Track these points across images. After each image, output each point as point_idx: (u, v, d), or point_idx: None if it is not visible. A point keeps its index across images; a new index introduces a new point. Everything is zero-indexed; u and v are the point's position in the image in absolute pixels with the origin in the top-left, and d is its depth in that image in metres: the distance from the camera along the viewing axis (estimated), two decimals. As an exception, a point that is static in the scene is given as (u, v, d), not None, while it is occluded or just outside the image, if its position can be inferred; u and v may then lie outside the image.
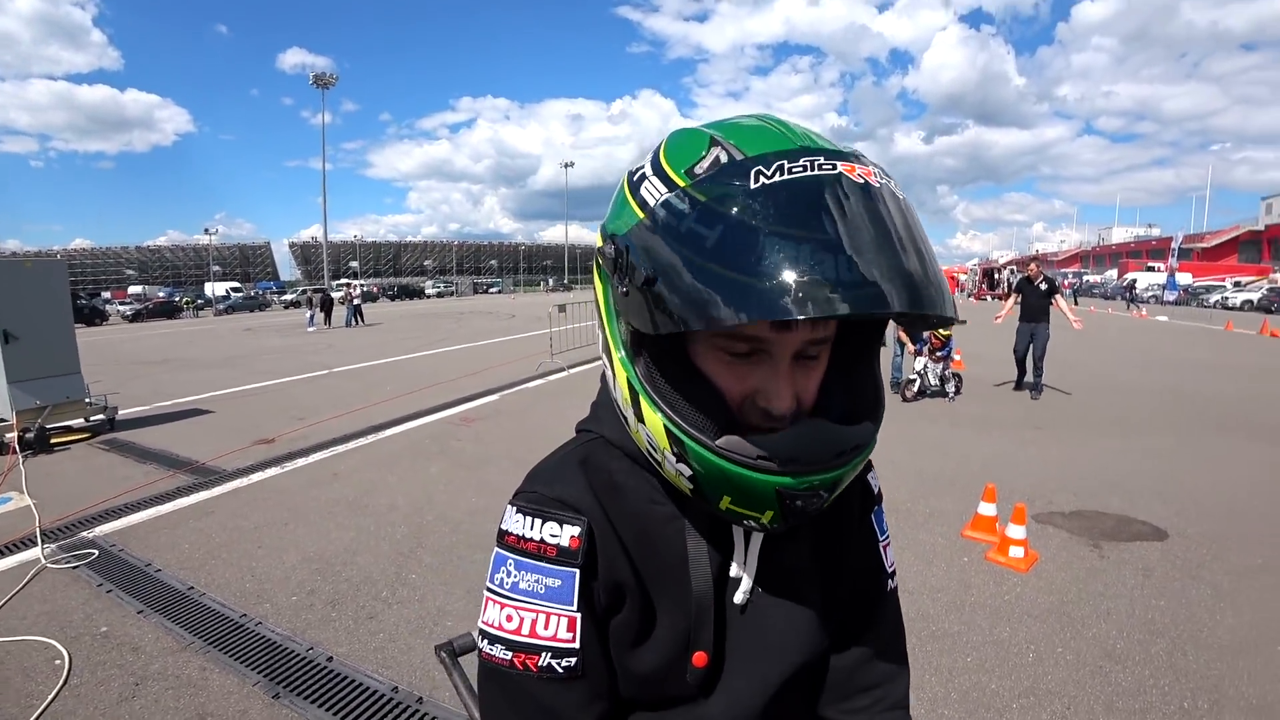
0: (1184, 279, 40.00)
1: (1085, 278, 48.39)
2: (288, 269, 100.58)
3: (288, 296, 48.78)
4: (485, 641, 0.66)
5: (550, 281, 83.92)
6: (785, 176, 0.52)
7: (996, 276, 41.10)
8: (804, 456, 0.59)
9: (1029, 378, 8.86)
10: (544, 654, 0.65)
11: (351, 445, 6.12)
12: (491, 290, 73.86)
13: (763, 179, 0.52)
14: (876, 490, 0.83)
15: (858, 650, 0.80)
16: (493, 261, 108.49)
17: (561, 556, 0.65)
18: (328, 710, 2.37)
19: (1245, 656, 2.81)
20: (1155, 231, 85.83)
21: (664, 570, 0.68)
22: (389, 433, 6.63)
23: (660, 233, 0.56)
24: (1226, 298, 34.14)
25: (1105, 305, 35.86)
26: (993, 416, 7.49)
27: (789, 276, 0.48)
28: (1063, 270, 58.14)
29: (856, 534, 0.80)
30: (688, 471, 0.61)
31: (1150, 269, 47.99)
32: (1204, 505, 4.64)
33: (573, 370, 10.63)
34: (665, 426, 0.60)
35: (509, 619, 0.65)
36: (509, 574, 0.66)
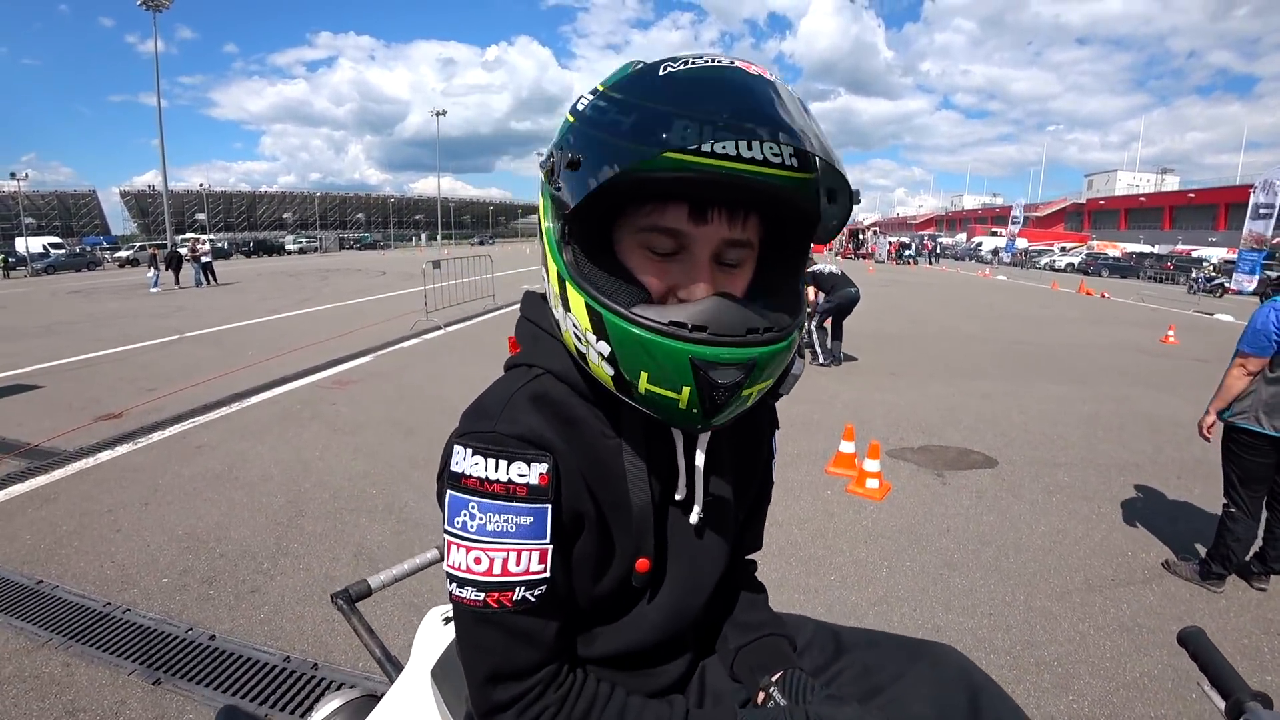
0: (1021, 244, 44.80)
1: (939, 240, 52.96)
2: (120, 222, 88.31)
3: (123, 253, 42.79)
4: (454, 585, 0.67)
5: (423, 237, 79.27)
6: (687, 67, 0.62)
7: (862, 237, 43.91)
8: (714, 325, 0.62)
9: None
10: (518, 589, 0.66)
11: (214, 415, 5.67)
12: (378, 246, 68.95)
13: (669, 69, 0.62)
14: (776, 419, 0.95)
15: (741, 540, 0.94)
16: (360, 215, 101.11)
17: (533, 495, 0.66)
18: (215, 689, 2.27)
19: (1052, 555, 3.38)
20: (999, 200, 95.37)
21: (616, 496, 0.73)
22: (255, 400, 6.20)
23: (584, 126, 0.64)
24: (1053, 261, 38.66)
25: (955, 265, 39.52)
26: (854, 365, 8.16)
27: (683, 122, 0.56)
28: (920, 233, 63.38)
29: (762, 453, 0.92)
30: (606, 349, 0.64)
31: (994, 234, 53.19)
32: (1026, 437, 5.39)
33: (449, 329, 10.34)
34: (586, 304, 0.65)
35: (477, 561, 0.66)
36: (472, 517, 0.66)
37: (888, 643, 0.87)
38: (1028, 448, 5.12)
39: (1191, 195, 58.16)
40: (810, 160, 0.65)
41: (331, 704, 1.01)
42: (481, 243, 71.45)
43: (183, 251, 23.13)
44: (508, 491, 0.66)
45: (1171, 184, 73.27)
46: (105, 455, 4.68)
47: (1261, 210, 15.64)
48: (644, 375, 0.63)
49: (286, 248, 57.67)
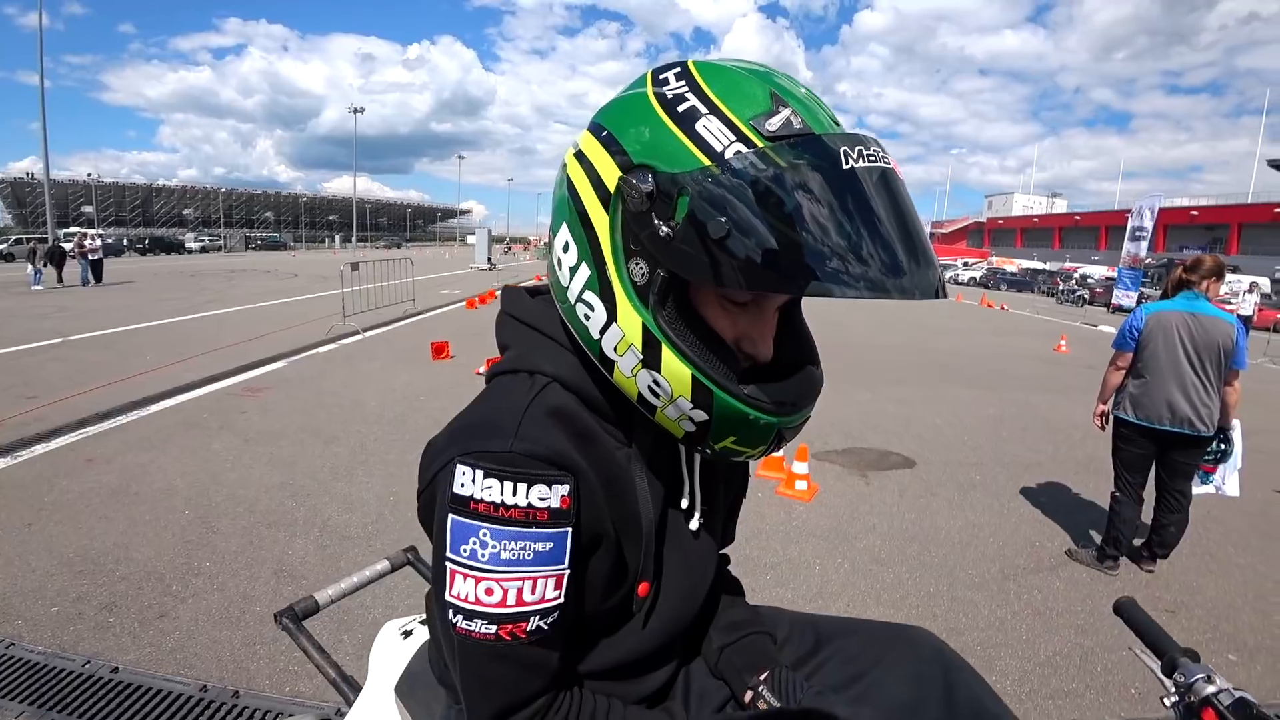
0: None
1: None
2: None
3: (-5, 247, 38.71)
4: (460, 618, 0.62)
5: (336, 239, 75.34)
6: (864, 165, 0.56)
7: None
8: (800, 400, 0.68)
9: None
10: (532, 619, 0.62)
11: (107, 425, 5.19)
12: (259, 246, 64.93)
13: (850, 162, 0.55)
14: None
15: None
16: (269, 214, 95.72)
17: (554, 519, 0.62)
18: (118, 723, 2.07)
19: (970, 548, 3.59)
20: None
21: (629, 510, 0.70)
22: (156, 408, 5.73)
23: (740, 188, 0.54)
24: (957, 275, 41.35)
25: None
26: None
27: (870, 259, 0.54)
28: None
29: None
30: (701, 417, 0.63)
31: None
32: (939, 439, 5.71)
33: (368, 333, 9.94)
34: (693, 377, 0.62)
35: (489, 593, 0.61)
36: (484, 545, 0.61)
37: (864, 629, 0.89)
38: (943, 449, 5.42)
39: (1078, 218, 63.87)
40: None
41: None
42: (396, 245, 67.98)
43: (67, 247, 21.09)
44: (527, 518, 0.61)
45: (1061, 207, 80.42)
46: (-22, 471, 4.19)
47: (1137, 233, 17.28)
48: (732, 439, 0.66)
49: (187, 246, 53.79)
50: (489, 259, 32.22)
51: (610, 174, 0.61)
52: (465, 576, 0.61)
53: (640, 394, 0.65)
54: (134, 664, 2.37)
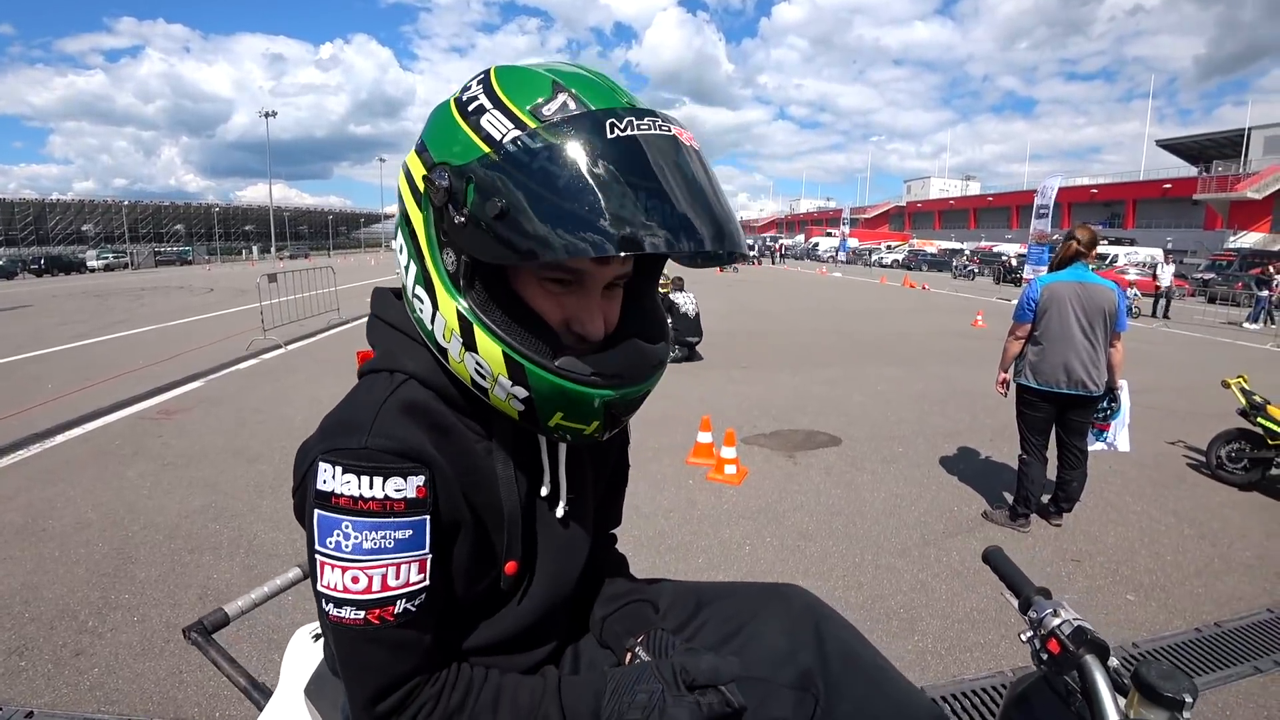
0: (853, 243, 49.36)
1: (781, 241, 57.39)
2: None
3: None
4: (331, 605, 0.65)
5: (254, 250, 71.18)
6: (634, 132, 0.59)
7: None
8: (627, 372, 0.69)
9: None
10: (399, 602, 0.65)
11: (7, 461, 4.85)
12: (192, 261, 61.41)
13: (616, 132, 0.59)
14: None
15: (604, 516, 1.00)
16: (179, 226, 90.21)
17: (411, 508, 0.65)
18: (33, 767, 1.97)
19: (893, 518, 3.79)
20: (832, 204, 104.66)
21: (489, 499, 0.74)
22: (60, 439, 5.38)
23: (513, 169, 0.59)
24: (881, 258, 42.93)
25: (796, 264, 42.60)
26: (706, 361, 8.51)
27: (644, 219, 0.57)
28: (763, 235, 68.35)
29: (618, 439, 0.98)
30: (522, 394, 0.66)
31: (829, 234, 58.13)
32: (865, 416, 5.98)
33: (290, 346, 9.59)
34: (505, 354, 0.65)
35: (355, 580, 0.64)
36: (346, 536, 0.64)
37: (744, 590, 0.96)
38: (867, 425, 5.68)
39: (990, 199, 67.29)
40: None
41: None
42: (303, 255, 63.22)
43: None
44: (384, 509, 0.64)
45: (974, 189, 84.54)
46: None
47: (1041, 211, 18.36)
48: (559, 415, 0.68)
49: (89, 264, 50.15)
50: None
51: (419, 176, 0.66)
52: (333, 567, 0.64)
53: (472, 378, 0.69)
54: (49, 706, 2.26)
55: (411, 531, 0.65)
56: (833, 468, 4.63)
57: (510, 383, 0.66)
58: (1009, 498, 3.94)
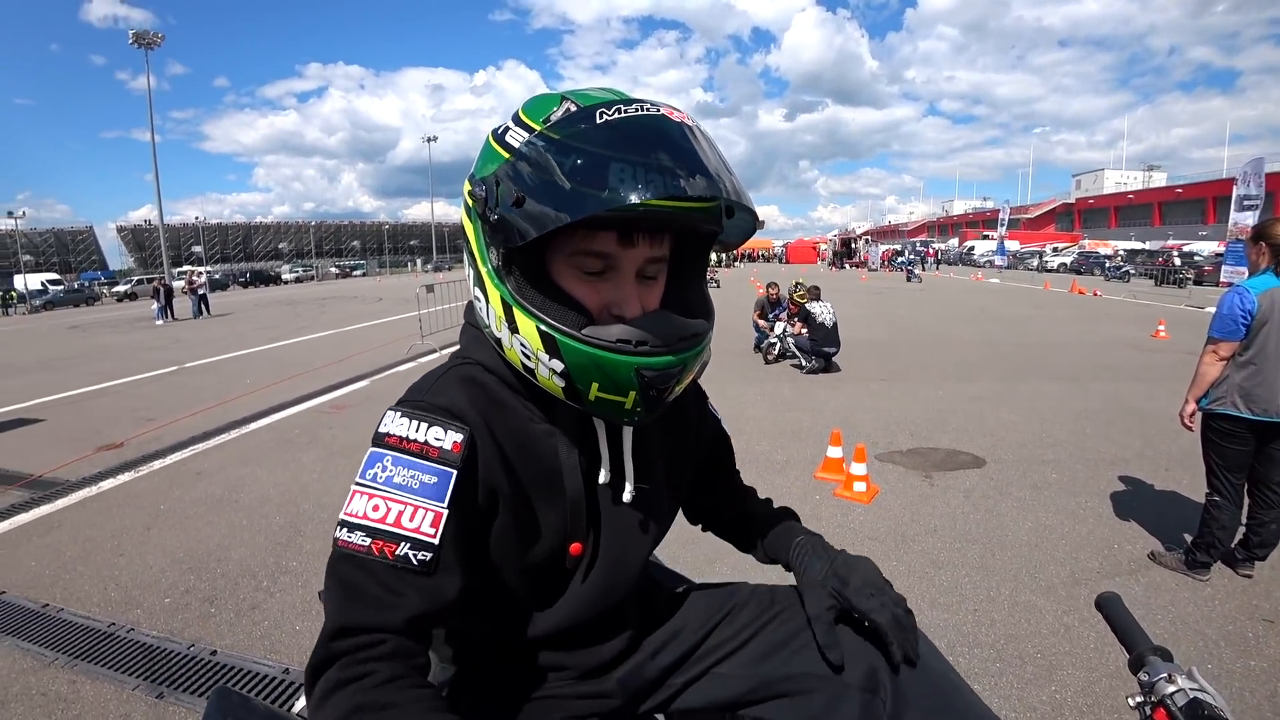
0: (1013, 246, 45.15)
1: (934, 245, 53.53)
2: (118, 257, 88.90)
3: (121, 288, 43.10)
4: (344, 530, 0.70)
5: (418, 262, 77.70)
6: (620, 115, 0.68)
7: (854, 246, 44.16)
8: (653, 339, 0.72)
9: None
10: (403, 543, 0.69)
11: (213, 443, 5.73)
12: (355, 273, 69.11)
13: (605, 117, 0.68)
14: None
15: (720, 486, 1.11)
16: (355, 242, 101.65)
17: (442, 458, 0.72)
18: (215, 701, 2.33)
19: (1038, 551, 3.43)
20: (989, 204, 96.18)
21: (541, 477, 0.79)
22: (254, 426, 6.26)
23: (524, 165, 0.69)
24: (1046, 262, 38.90)
25: (948, 270, 39.69)
26: (844, 373, 8.23)
27: (630, 178, 0.63)
28: (913, 240, 64.09)
29: (697, 423, 1.03)
30: (559, 366, 0.72)
31: (985, 237, 53.66)
32: (1015, 436, 5.46)
33: (445, 350, 10.37)
34: (538, 329, 0.72)
35: (375, 508, 0.69)
36: (384, 469, 0.71)
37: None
38: (1016, 446, 5.18)
39: (1179, 190, 58.67)
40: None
41: None
42: (439, 268, 66.39)
43: (178, 284, 23.43)
44: (421, 451, 0.71)
45: (1159, 180, 73.95)
46: (108, 484, 4.74)
47: (1245, 202, 15.75)
48: (595, 386, 0.72)
49: (283, 277, 58.04)
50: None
51: (467, 194, 0.76)
52: (362, 494, 0.71)
53: (521, 362, 0.75)
54: (230, 648, 2.67)
55: (436, 479, 0.71)
56: (973, 491, 4.28)
57: (548, 357, 0.72)
58: (1187, 539, 3.42)
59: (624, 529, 0.87)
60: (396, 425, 0.73)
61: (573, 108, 0.71)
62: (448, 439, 0.72)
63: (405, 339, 11.22)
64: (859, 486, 4.16)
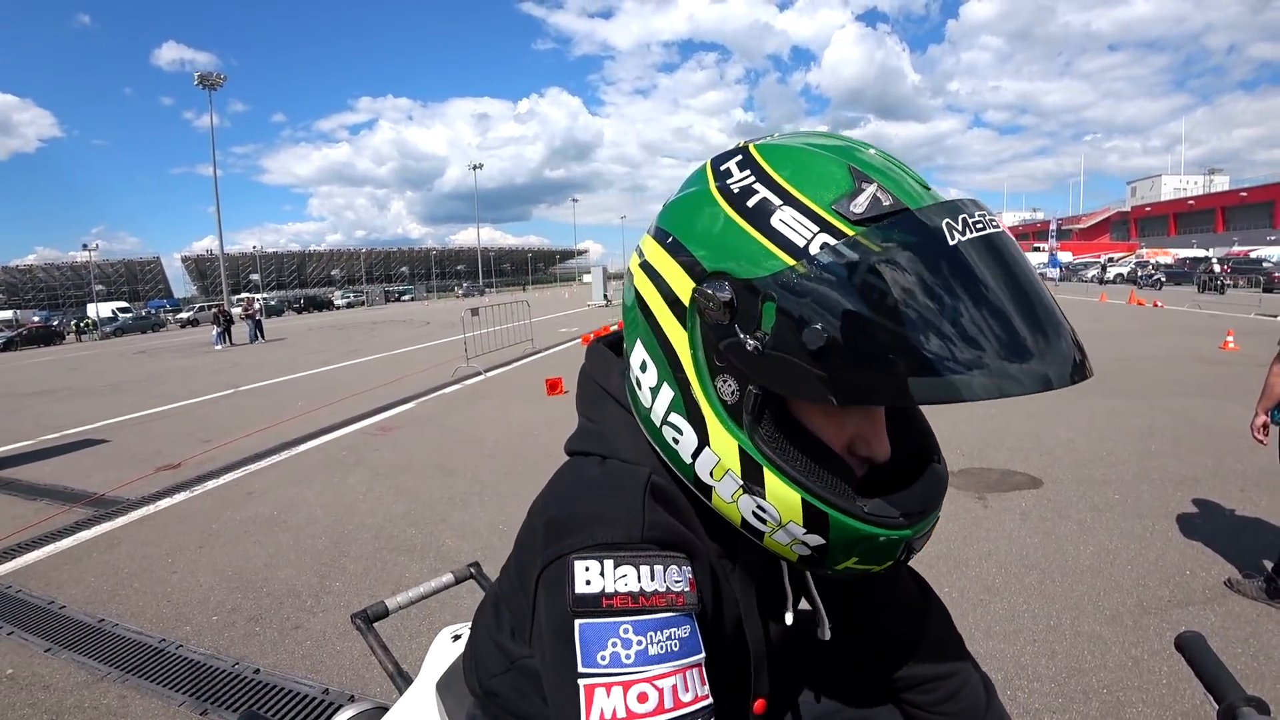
0: (1065, 257, 43.75)
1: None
2: (182, 285, 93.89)
3: (184, 314, 45.52)
4: None
5: (465, 286, 79.56)
6: (971, 235, 0.49)
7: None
8: (929, 505, 0.60)
9: None
10: None
11: (264, 463, 5.91)
12: (404, 298, 71.24)
13: (955, 236, 0.48)
14: None
15: (921, 652, 0.79)
16: (404, 268, 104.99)
17: (689, 603, 0.54)
18: None
19: (1101, 577, 3.24)
20: (1039, 215, 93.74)
21: (722, 616, 0.64)
22: (304, 447, 6.44)
23: (832, 286, 0.48)
24: (1103, 274, 37.57)
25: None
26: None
27: (1005, 348, 0.47)
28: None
29: None
30: (818, 541, 0.56)
31: (1036, 249, 52.15)
32: (1074, 455, 5.21)
33: (489, 374, 10.57)
34: (804, 500, 0.55)
35: (642, 699, 0.50)
36: (627, 644, 0.51)
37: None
38: (1076, 466, 4.93)
39: (1244, 194, 56.18)
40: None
41: (345, 714, 1.07)
42: (479, 292, 65.63)
43: (236, 311, 24.64)
44: (669, 604, 0.53)
45: (1221, 184, 70.89)
46: (165, 503, 4.93)
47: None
48: (853, 560, 0.58)
49: (335, 303, 60.36)
50: (605, 295, 33.55)
51: (683, 285, 0.55)
52: (609, 688, 0.51)
53: (744, 520, 0.58)
54: (272, 667, 2.71)
55: (689, 629, 0.54)
56: (1030, 513, 4.08)
57: (804, 530, 0.56)
58: (1267, 565, 3.17)
59: (823, 678, 0.77)
60: (617, 580, 0.52)
61: (884, 198, 0.50)
62: (684, 577, 0.55)
63: (451, 362, 11.44)
64: (907, 508, 4.00)
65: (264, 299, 29.76)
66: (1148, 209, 69.62)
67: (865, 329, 0.47)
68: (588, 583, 0.52)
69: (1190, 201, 63.85)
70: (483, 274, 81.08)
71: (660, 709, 0.50)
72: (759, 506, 0.56)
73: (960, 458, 5.20)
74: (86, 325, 37.88)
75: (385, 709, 1.05)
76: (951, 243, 0.48)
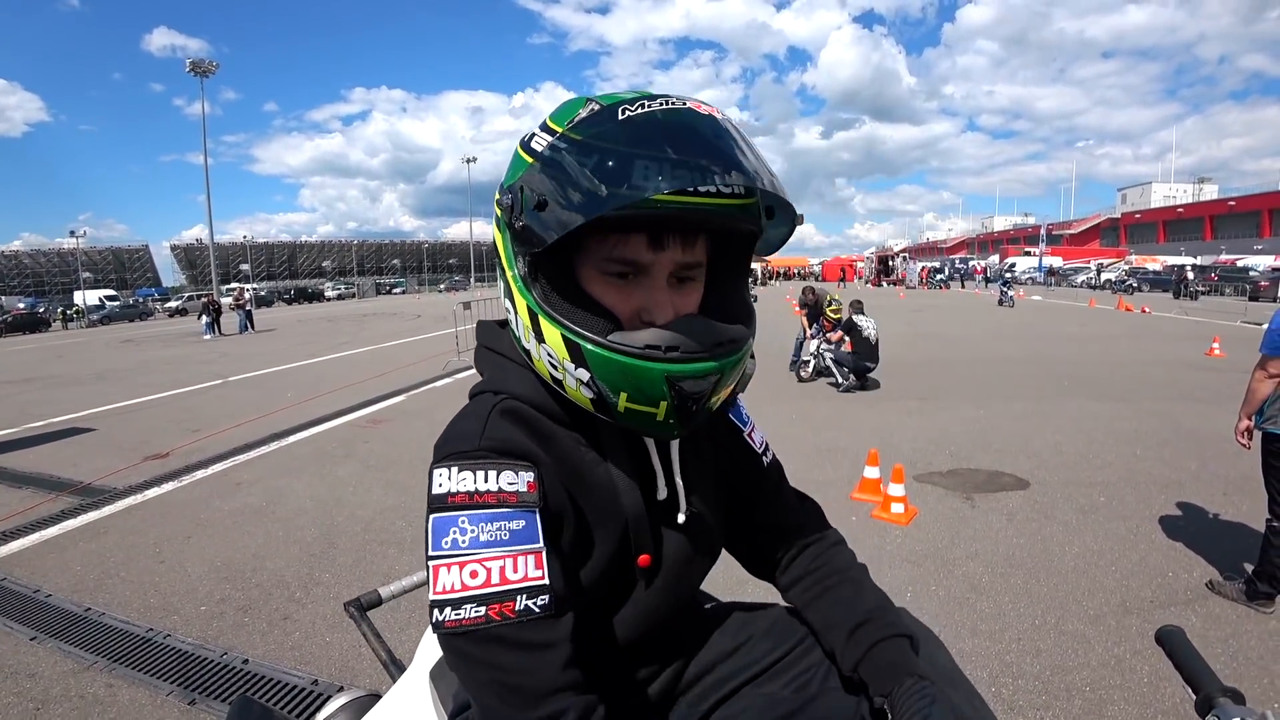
0: (1055, 262, 44.06)
1: (975, 263, 52.57)
2: (170, 274, 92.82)
3: (173, 304, 45.00)
4: (447, 610, 0.64)
5: (450, 281, 79.15)
6: (644, 110, 0.65)
7: (891, 264, 43.61)
8: (684, 344, 0.68)
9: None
10: (519, 597, 0.64)
11: (253, 454, 5.88)
12: (395, 291, 70.75)
13: (628, 113, 0.65)
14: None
15: (766, 517, 0.98)
16: (395, 261, 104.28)
17: (522, 501, 0.67)
18: (246, 710, 2.36)
19: (1085, 577, 3.28)
20: (1030, 220, 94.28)
21: (597, 503, 0.76)
22: (293, 439, 6.40)
23: (547, 168, 0.66)
24: (1090, 280, 37.89)
25: (991, 288, 38.81)
26: (881, 391, 8.08)
27: (653, 173, 0.60)
28: (951, 257, 63.10)
29: (728, 438, 0.96)
30: (586, 375, 0.68)
31: (1027, 254, 52.48)
32: (1060, 457, 5.26)
33: (485, 367, 10.54)
34: (563, 335, 0.68)
35: (473, 575, 0.64)
36: (463, 532, 0.65)
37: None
38: (1062, 468, 4.99)
39: (1232, 203, 56.75)
40: (754, 187, 0.69)
41: (337, 701, 1.07)
42: (460, 288, 66.42)
43: (225, 301, 24.43)
44: (499, 500, 0.66)
45: (1210, 193, 71.68)
46: (153, 492, 4.89)
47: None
48: (623, 396, 0.68)
49: (326, 294, 59.81)
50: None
51: (501, 213, 0.73)
52: (449, 567, 0.64)
53: (549, 373, 0.72)
54: (261, 657, 2.70)
55: (524, 523, 0.66)
56: (1016, 514, 4.12)
57: (574, 365, 0.69)
58: (1248, 568, 3.23)
59: (683, 543, 0.84)
60: (459, 482, 0.66)
61: (596, 108, 0.68)
62: (521, 480, 0.68)
63: (442, 355, 11.41)
64: (897, 508, 4.04)
65: (254, 289, 29.47)
66: (1137, 216, 70.13)
67: (559, 187, 0.64)
68: (440, 485, 0.67)
69: (1179, 209, 64.37)
70: (474, 267, 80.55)
71: (488, 583, 0.64)
72: (549, 354, 0.70)
73: (949, 459, 5.24)
74: (74, 313, 37.45)
75: (378, 697, 1.06)
76: (621, 117, 0.65)
